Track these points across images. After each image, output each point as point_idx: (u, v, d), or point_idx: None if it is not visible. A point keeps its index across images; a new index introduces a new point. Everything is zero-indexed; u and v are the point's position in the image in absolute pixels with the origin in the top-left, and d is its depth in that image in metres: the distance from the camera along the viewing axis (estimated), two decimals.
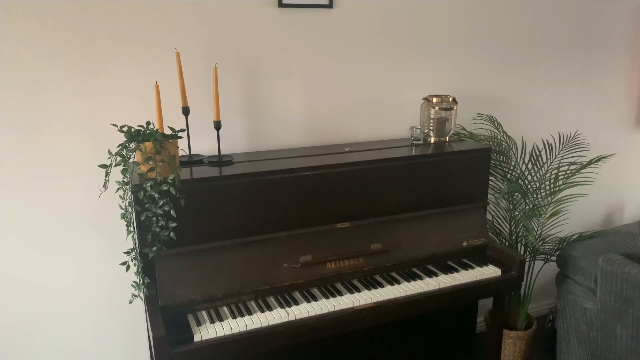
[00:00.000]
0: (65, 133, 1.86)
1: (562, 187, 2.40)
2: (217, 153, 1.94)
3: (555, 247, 2.47)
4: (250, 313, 1.67)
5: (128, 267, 1.67)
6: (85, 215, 1.95)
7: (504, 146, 2.42)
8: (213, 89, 1.83)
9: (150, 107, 1.87)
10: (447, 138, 2.24)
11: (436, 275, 1.94)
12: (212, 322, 1.62)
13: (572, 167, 2.42)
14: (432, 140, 2.23)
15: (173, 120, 1.85)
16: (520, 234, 2.43)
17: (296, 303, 1.73)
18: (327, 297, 1.77)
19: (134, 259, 1.68)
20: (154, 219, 1.60)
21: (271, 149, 2.16)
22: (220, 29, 1.98)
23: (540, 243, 2.47)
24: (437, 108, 2.19)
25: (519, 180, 2.43)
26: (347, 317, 1.73)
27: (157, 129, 1.66)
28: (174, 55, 1.81)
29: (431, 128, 2.22)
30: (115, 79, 1.88)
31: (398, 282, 1.88)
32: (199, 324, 1.61)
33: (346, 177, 1.90)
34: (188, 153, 1.91)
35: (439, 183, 2.07)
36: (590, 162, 2.42)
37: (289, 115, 2.18)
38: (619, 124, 3.01)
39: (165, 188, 1.58)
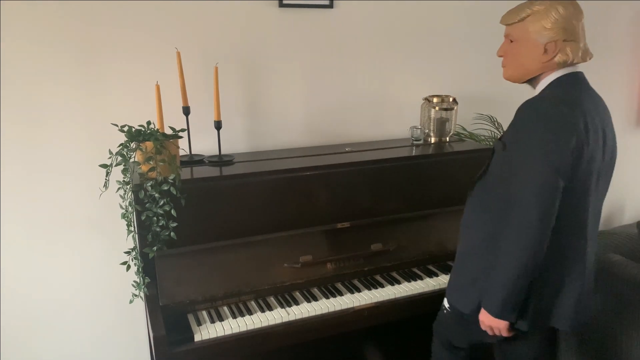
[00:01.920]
0: (65, 133, 1.86)
1: None
2: (217, 153, 1.94)
3: None
4: (250, 313, 1.67)
5: (128, 267, 1.67)
6: (85, 215, 1.95)
7: None
8: (213, 89, 1.83)
9: (150, 106, 1.87)
10: (448, 138, 2.24)
11: (436, 275, 1.94)
12: (213, 321, 1.62)
13: None
14: (433, 140, 2.23)
15: (173, 120, 1.85)
16: None
17: (296, 303, 1.73)
18: (327, 297, 1.77)
19: (135, 258, 1.68)
20: (155, 218, 1.60)
21: (271, 149, 2.16)
22: (221, 28, 1.98)
23: None
24: (437, 108, 2.19)
25: None
26: (348, 317, 1.73)
27: (157, 129, 1.67)
28: (174, 55, 1.81)
29: (431, 128, 2.22)
30: (116, 79, 1.88)
31: (398, 282, 1.88)
32: (199, 323, 1.61)
33: (346, 177, 1.90)
34: (188, 153, 1.91)
35: (440, 183, 2.07)
36: None
37: (289, 115, 2.18)
38: (619, 125, 3.00)
39: (165, 188, 1.58)
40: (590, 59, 1.42)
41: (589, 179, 1.33)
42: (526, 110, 1.31)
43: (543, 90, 1.39)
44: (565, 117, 1.27)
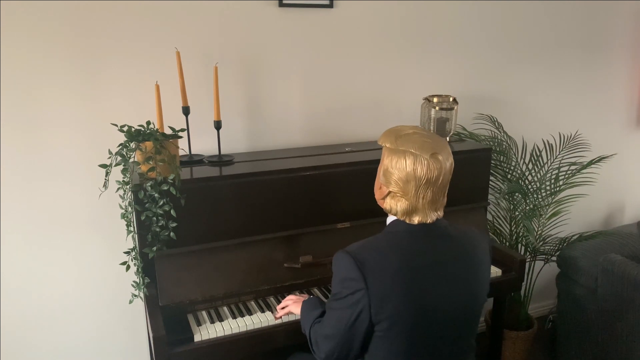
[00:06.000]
0: (65, 133, 1.86)
1: (562, 187, 2.40)
2: (217, 153, 1.94)
3: (556, 248, 2.47)
4: (250, 313, 1.67)
5: (128, 267, 1.67)
6: (85, 215, 1.94)
7: (504, 146, 2.42)
8: (213, 89, 1.83)
9: (150, 106, 1.87)
10: (448, 138, 2.24)
11: None
12: (212, 322, 1.62)
13: (573, 167, 2.42)
14: None
15: (173, 120, 1.85)
16: (521, 234, 2.43)
17: None
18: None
19: (134, 258, 1.68)
20: (154, 218, 1.59)
21: (271, 149, 2.15)
22: (221, 28, 1.98)
23: (541, 243, 2.47)
24: (437, 108, 2.19)
25: (520, 181, 2.43)
26: None
27: (157, 129, 1.66)
28: (174, 55, 1.81)
29: (432, 128, 2.22)
30: (116, 79, 1.88)
31: None
32: (199, 324, 1.61)
33: (346, 177, 1.90)
34: (188, 153, 1.91)
35: None
36: (590, 163, 2.42)
37: (289, 115, 2.17)
38: (620, 124, 3.00)
39: (165, 188, 1.58)
40: (419, 222, 1.25)
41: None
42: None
43: (386, 228, 1.31)
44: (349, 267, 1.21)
